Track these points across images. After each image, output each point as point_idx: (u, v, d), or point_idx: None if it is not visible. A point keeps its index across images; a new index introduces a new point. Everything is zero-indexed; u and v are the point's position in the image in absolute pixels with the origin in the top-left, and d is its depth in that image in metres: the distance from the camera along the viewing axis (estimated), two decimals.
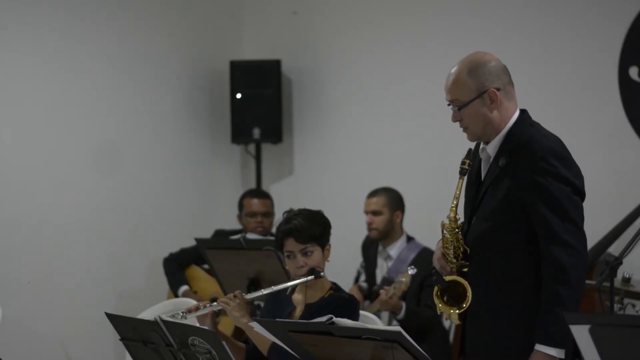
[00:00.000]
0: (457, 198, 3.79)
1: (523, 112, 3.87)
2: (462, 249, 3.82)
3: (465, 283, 3.77)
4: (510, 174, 3.76)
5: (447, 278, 3.79)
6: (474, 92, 3.78)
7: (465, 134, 3.90)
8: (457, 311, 3.78)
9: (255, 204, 6.92)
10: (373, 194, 6.53)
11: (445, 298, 3.81)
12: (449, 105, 3.86)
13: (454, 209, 3.79)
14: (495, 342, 3.81)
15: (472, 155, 3.87)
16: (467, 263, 3.81)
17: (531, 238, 3.74)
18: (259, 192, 7.14)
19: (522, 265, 3.76)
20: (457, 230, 3.81)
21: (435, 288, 3.83)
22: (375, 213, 6.46)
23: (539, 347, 3.68)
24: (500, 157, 3.80)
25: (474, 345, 3.87)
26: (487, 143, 3.87)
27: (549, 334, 3.66)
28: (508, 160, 3.77)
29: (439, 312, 3.84)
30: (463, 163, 3.81)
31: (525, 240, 3.75)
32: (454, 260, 3.82)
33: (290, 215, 4.29)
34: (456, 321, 3.83)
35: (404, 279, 5.93)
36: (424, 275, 6.01)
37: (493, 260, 3.79)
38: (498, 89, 3.80)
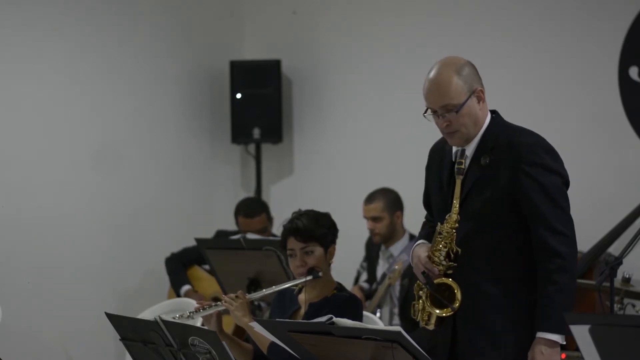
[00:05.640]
0: (457, 198, 3.82)
1: (494, 112, 3.92)
2: (454, 250, 3.84)
3: (454, 284, 3.81)
4: (496, 172, 3.80)
5: (437, 281, 3.83)
6: (467, 93, 3.80)
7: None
8: (450, 312, 3.80)
9: (247, 223, 6.74)
10: (370, 199, 6.46)
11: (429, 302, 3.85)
12: (434, 112, 3.83)
13: (456, 209, 3.82)
14: (492, 339, 3.82)
15: (438, 157, 3.93)
16: (455, 264, 3.84)
17: (519, 234, 3.79)
18: (249, 211, 6.81)
19: (512, 261, 3.81)
20: (453, 230, 3.83)
21: (426, 293, 3.85)
22: (375, 219, 6.41)
23: (541, 334, 3.71)
24: (481, 156, 3.83)
25: (469, 345, 3.87)
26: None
27: (551, 322, 3.70)
28: (491, 158, 3.81)
29: (418, 318, 3.86)
30: (459, 163, 3.84)
31: (513, 236, 3.80)
32: (444, 263, 3.85)
33: (296, 214, 4.35)
34: (432, 327, 3.85)
35: (397, 267, 6.16)
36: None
37: (483, 258, 3.82)
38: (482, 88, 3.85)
